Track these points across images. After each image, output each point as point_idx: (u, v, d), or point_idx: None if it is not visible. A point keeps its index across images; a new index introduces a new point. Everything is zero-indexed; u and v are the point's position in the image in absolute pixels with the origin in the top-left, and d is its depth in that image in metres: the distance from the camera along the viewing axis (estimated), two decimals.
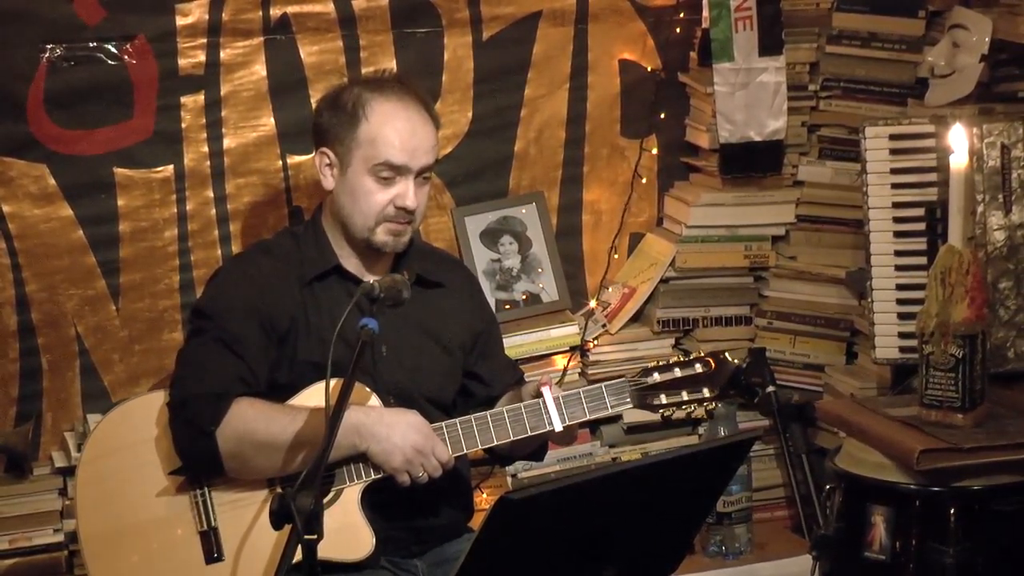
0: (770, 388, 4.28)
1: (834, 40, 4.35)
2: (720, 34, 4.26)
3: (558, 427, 3.29)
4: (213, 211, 4.04)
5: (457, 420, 3.30)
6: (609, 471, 3.07)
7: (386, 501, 3.30)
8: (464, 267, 3.87)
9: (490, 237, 4.30)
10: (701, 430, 4.28)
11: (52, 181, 3.89)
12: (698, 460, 2.86)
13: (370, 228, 3.36)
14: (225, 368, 3.28)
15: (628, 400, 3.32)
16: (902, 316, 3.83)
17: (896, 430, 3.39)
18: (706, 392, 3.34)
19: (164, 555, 3.28)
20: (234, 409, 3.23)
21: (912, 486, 3.31)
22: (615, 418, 4.25)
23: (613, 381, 3.34)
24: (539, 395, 3.30)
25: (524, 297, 4.31)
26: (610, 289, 4.40)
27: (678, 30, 4.39)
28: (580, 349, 4.28)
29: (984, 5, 4.17)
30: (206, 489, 3.30)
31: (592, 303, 4.41)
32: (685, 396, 3.34)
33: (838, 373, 4.34)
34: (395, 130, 3.34)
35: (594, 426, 4.28)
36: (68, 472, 3.85)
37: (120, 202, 3.96)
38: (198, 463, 3.26)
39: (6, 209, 3.88)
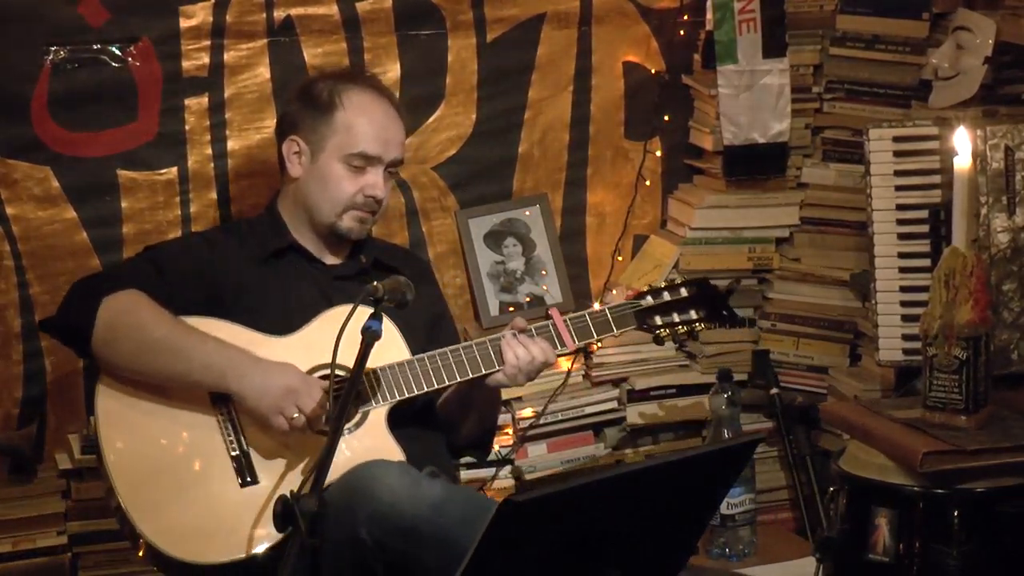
0: (774, 390, 4.29)
1: (838, 42, 4.35)
2: (724, 36, 4.26)
3: (569, 347, 3.41)
4: (217, 213, 4.03)
5: (425, 356, 3.32)
6: (613, 473, 3.07)
7: None
8: (418, 258, 3.93)
9: (494, 239, 4.30)
10: (705, 432, 4.28)
11: (56, 183, 3.90)
12: (702, 462, 2.86)
13: (337, 214, 3.43)
14: (142, 275, 3.32)
15: (631, 322, 3.44)
16: (906, 318, 3.83)
17: (900, 432, 3.39)
18: (694, 314, 3.47)
19: (198, 484, 3.22)
20: (131, 292, 3.26)
21: (916, 488, 3.30)
22: (618, 420, 4.26)
23: (617, 305, 3.46)
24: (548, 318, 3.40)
25: (528, 299, 4.30)
26: (614, 291, 4.39)
27: (682, 32, 4.39)
28: (584, 351, 4.28)
29: (988, 7, 4.17)
30: (233, 412, 3.25)
31: (596, 305, 4.40)
32: (676, 318, 3.46)
33: (842, 375, 4.34)
34: (370, 120, 3.43)
35: (597, 428, 4.28)
36: (72, 474, 3.84)
37: (124, 204, 3.96)
38: (70, 320, 3.28)
39: (10, 211, 3.88)
